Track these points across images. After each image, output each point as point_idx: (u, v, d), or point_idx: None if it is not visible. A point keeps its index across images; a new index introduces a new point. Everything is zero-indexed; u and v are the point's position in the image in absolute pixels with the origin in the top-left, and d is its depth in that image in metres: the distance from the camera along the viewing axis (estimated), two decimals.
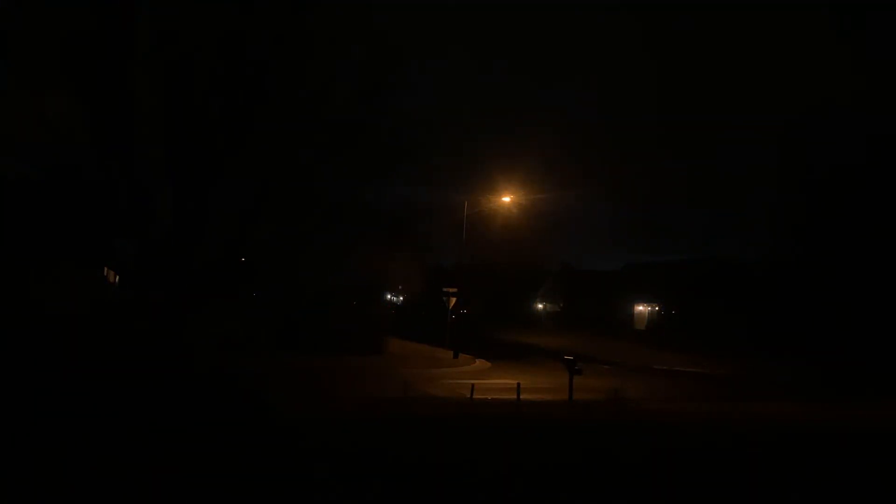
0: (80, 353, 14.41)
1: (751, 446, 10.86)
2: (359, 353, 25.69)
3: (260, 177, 14.43)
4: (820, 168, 39.70)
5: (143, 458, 7.69)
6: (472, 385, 17.06)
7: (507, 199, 31.79)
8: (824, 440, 11.97)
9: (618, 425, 12.76)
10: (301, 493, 6.96)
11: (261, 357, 22.10)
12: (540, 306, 71.97)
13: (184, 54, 13.05)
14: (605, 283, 63.18)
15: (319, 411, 13.11)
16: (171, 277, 13.66)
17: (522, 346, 39.25)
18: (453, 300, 29.44)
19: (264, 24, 13.65)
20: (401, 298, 69.79)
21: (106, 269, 23.72)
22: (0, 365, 12.64)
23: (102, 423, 9.11)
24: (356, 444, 9.41)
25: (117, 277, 24.16)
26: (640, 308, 61.04)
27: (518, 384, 16.36)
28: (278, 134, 14.43)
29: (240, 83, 13.51)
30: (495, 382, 21.00)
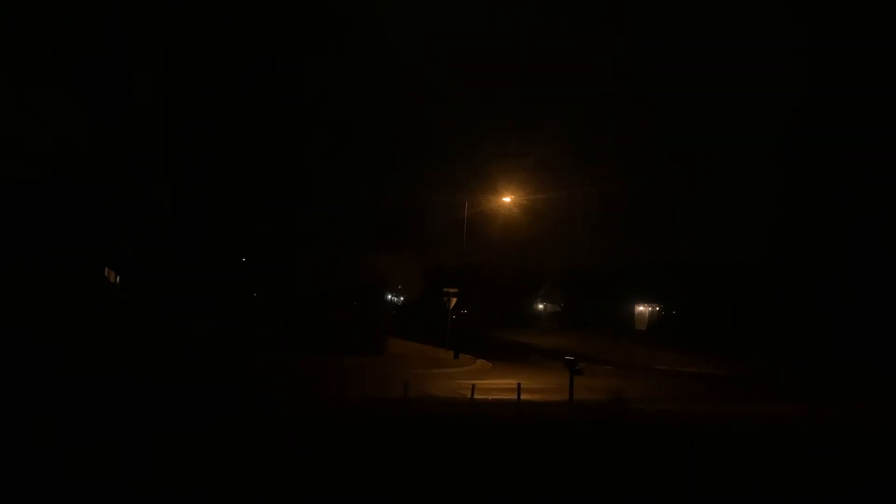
0: (80, 352, 14.41)
1: (753, 448, 10.84)
2: (359, 353, 25.64)
3: (260, 177, 14.40)
4: (818, 168, 39.73)
5: (145, 457, 7.68)
6: (473, 385, 17.06)
7: (507, 199, 31.74)
8: (823, 441, 11.96)
9: (618, 426, 12.75)
10: (302, 492, 6.95)
11: (261, 357, 22.10)
12: (540, 306, 71.92)
13: (184, 54, 13.03)
14: (605, 283, 63.09)
15: (321, 411, 13.11)
16: (171, 278, 13.64)
17: (523, 346, 39.25)
18: (454, 300, 29.42)
19: (265, 24, 13.64)
20: (401, 298, 69.73)
21: (106, 269, 23.72)
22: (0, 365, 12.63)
23: (103, 423, 9.10)
24: (357, 444, 9.40)
25: (117, 277, 24.18)
26: (640, 308, 61.06)
27: (518, 384, 16.35)
28: (278, 134, 14.41)
29: (240, 83, 13.50)
30: (496, 382, 21.00)
